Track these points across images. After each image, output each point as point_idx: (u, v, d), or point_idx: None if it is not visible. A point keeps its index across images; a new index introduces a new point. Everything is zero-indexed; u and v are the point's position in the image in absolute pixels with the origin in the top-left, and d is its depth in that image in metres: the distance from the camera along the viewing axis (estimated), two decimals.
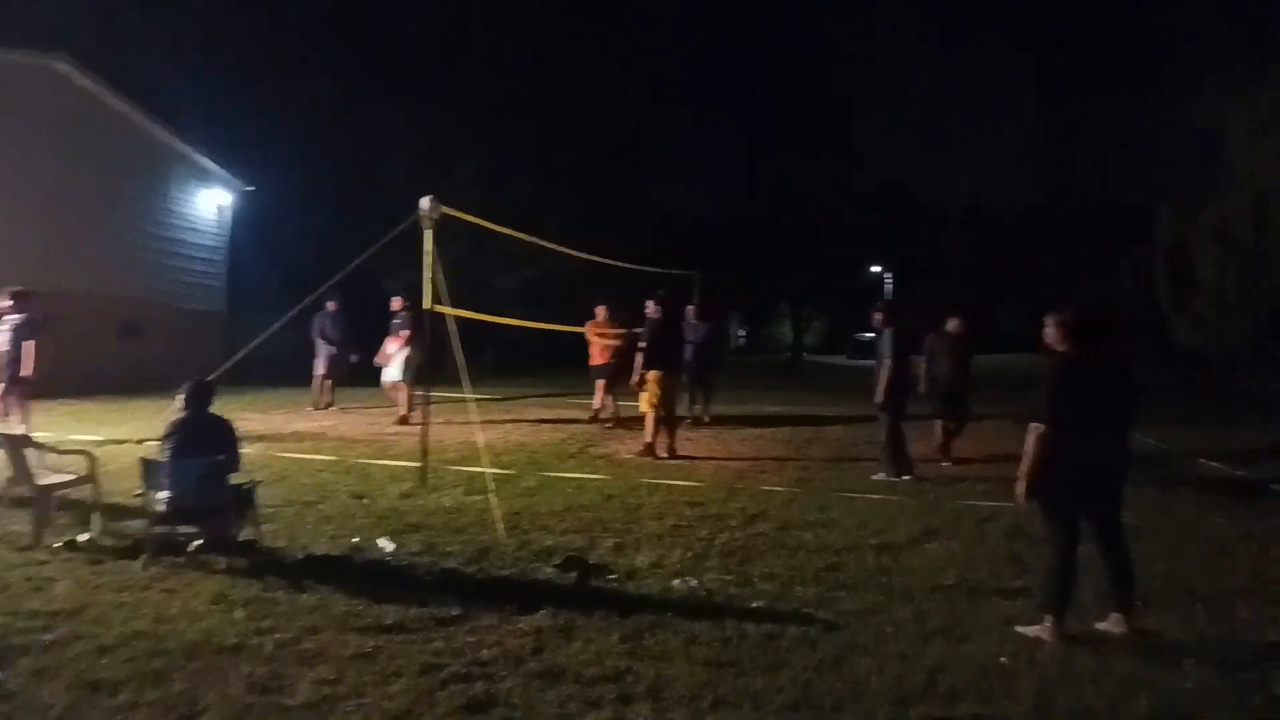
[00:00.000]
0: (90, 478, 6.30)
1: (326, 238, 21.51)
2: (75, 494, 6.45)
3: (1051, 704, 3.79)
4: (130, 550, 5.66)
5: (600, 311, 13.43)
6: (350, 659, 4.09)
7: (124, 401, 14.27)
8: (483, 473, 7.88)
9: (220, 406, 6.03)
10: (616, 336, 13.09)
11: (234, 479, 5.69)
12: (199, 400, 5.83)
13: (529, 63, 25.24)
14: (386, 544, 6.03)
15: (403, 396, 12.88)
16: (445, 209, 8.49)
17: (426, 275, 8.24)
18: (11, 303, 9.27)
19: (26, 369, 9.13)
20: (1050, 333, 4.72)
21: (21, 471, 6.12)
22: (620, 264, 14.75)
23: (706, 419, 13.49)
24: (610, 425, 13.02)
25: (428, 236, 8.25)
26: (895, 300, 20.86)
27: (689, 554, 5.96)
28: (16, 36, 15.75)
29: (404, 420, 12.54)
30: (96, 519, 6.10)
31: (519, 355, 24.61)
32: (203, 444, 5.60)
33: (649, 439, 10.21)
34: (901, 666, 4.11)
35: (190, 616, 4.59)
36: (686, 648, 4.29)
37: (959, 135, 77.99)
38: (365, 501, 7.44)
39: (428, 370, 8.84)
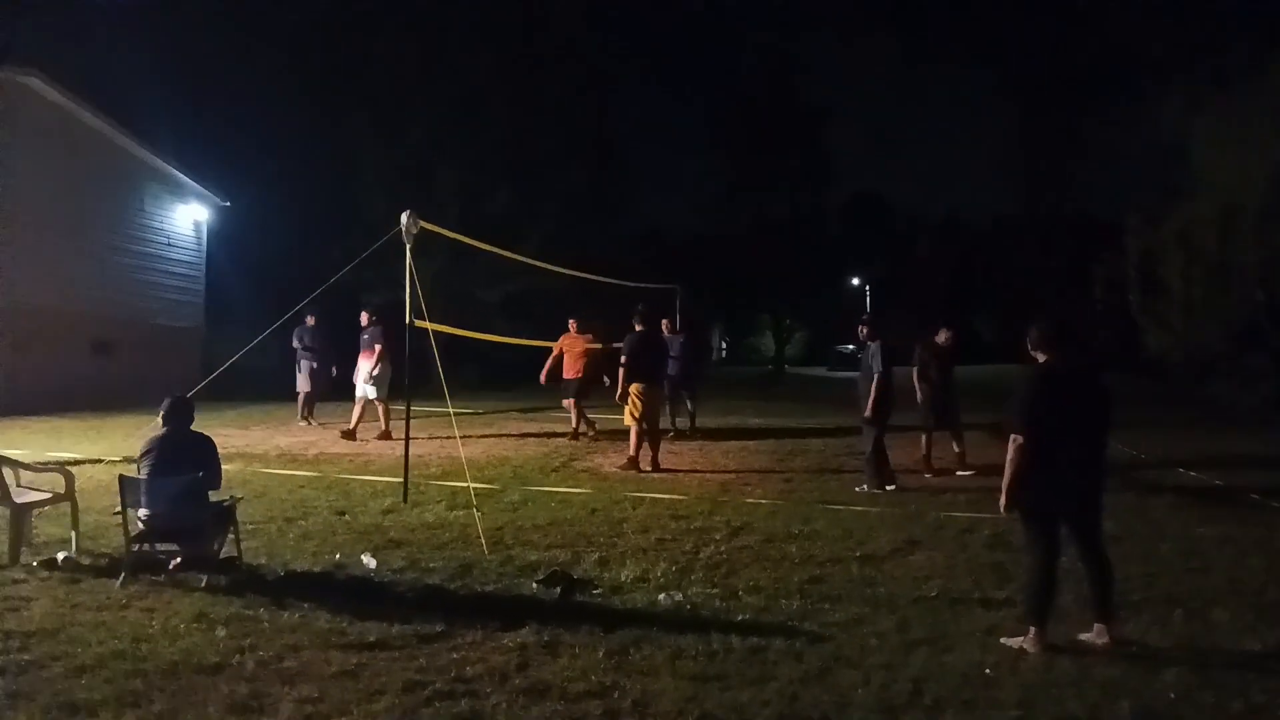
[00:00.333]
0: (67, 495, 6.23)
1: (306, 252, 21.46)
2: (52, 511, 6.36)
3: (1034, 711, 3.82)
4: (109, 569, 5.60)
5: (573, 325, 13.42)
6: (333, 677, 4.06)
7: (100, 419, 14.13)
8: (465, 488, 7.85)
9: (201, 423, 5.98)
10: (589, 346, 13.05)
11: (214, 496, 5.64)
12: (178, 417, 5.77)
13: (507, 76, 25.32)
14: (369, 560, 5.99)
15: (382, 411, 12.82)
16: (424, 224, 8.48)
17: (408, 290, 8.21)
18: None
19: None
20: (1033, 342, 4.77)
21: None
22: (601, 278, 14.79)
23: (689, 430, 13.52)
24: (593, 436, 13.02)
25: (408, 251, 8.23)
26: (879, 313, 21.00)
27: (674, 568, 5.96)
28: None
29: (385, 435, 12.48)
30: (74, 537, 6.03)
31: (502, 369, 24.57)
32: (182, 461, 5.54)
33: (632, 452, 10.22)
34: (886, 677, 4.13)
35: (170, 635, 4.53)
36: (672, 662, 4.29)
37: (934, 149, 79.00)
38: (347, 518, 7.39)
39: (408, 385, 8.77)
